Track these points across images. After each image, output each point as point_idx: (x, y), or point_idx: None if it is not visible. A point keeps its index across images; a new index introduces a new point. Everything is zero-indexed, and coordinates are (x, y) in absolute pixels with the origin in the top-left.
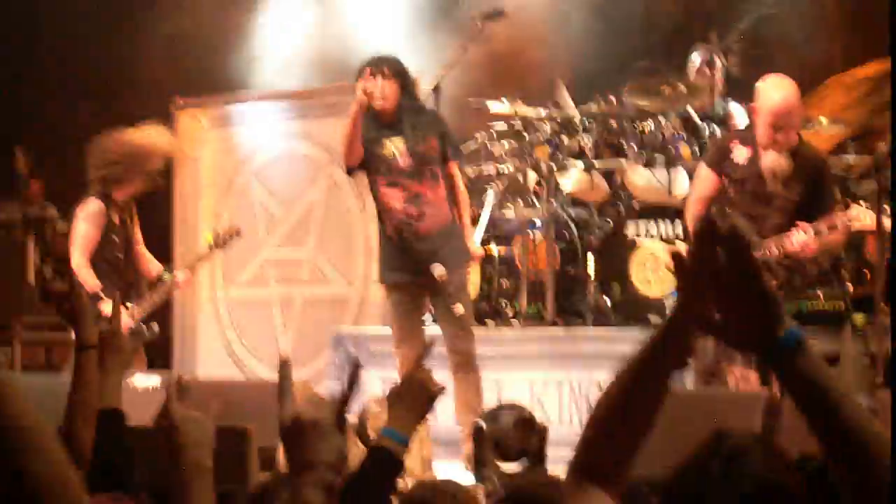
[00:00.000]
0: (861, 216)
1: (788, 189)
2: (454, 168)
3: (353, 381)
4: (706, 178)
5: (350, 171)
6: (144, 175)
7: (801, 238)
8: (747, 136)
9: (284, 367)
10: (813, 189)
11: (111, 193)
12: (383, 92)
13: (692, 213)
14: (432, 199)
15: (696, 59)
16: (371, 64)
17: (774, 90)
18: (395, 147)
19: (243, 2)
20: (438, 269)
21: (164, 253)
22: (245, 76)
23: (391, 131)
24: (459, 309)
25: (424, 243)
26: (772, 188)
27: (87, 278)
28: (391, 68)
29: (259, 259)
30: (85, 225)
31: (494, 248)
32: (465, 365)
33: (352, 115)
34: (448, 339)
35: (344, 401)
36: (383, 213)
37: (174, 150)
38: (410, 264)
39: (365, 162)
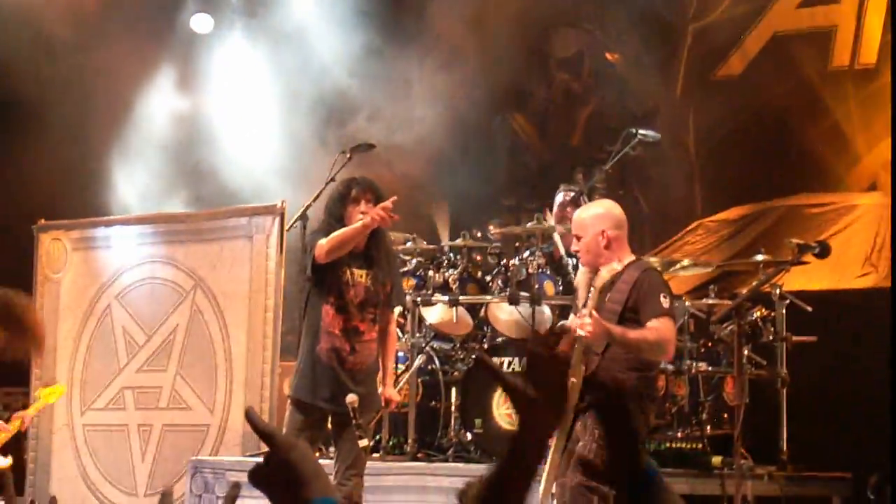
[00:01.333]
0: (602, 274)
1: (611, 300)
2: (392, 315)
3: (232, 500)
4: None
5: (313, 270)
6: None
7: (575, 322)
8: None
9: (165, 497)
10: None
11: None
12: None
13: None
14: (366, 338)
15: (559, 197)
16: (365, 189)
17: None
18: (356, 277)
19: (110, 124)
20: (351, 397)
21: (21, 375)
22: (109, 199)
23: (358, 261)
24: (364, 441)
25: (348, 376)
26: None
27: None
28: (374, 195)
29: (118, 384)
30: None
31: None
32: None
33: (366, 224)
34: (338, 477)
35: None
36: (321, 332)
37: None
38: (327, 391)
39: (324, 277)
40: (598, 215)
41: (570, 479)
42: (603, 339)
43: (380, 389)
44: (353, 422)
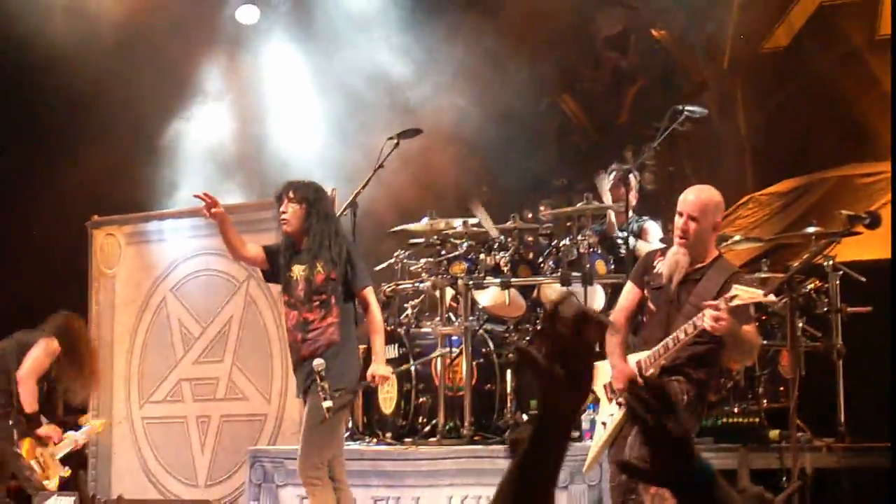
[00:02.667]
0: (740, 294)
1: (698, 294)
2: (364, 293)
3: None
4: (628, 290)
5: (264, 277)
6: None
7: (710, 314)
8: (665, 251)
9: None
10: (718, 296)
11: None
12: (288, 216)
13: (613, 322)
14: (317, 326)
15: (610, 176)
16: (282, 189)
17: (688, 190)
18: (297, 273)
19: (160, 119)
20: (317, 362)
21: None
22: (160, 193)
23: (298, 257)
24: (328, 403)
25: (303, 366)
26: (669, 283)
27: (31, 401)
28: (296, 194)
29: (175, 376)
30: (43, 356)
31: (412, 365)
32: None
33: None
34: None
35: None
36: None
37: None
38: (298, 382)
39: (279, 281)
40: (718, 204)
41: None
42: (727, 332)
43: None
44: (318, 384)
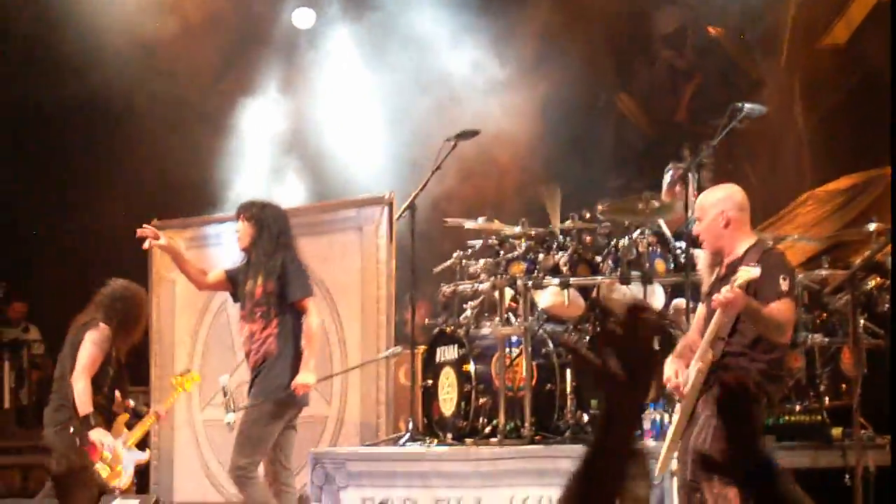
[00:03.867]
0: (741, 274)
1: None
2: (302, 304)
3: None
4: (698, 311)
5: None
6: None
7: (722, 295)
8: None
9: None
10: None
11: (115, 328)
12: (240, 234)
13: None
14: (258, 338)
15: (668, 176)
16: (239, 211)
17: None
18: (246, 289)
19: (220, 124)
20: (222, 378)
21: (140, 373)
22: (220, 197)
23: (247, 272)
24: (229, 416)
25: (253, 374)
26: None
27: (85, 401)
28: (247, 213)
29: (236, 379)
30: (94, 349)
31: (472, 366)
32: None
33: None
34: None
35: None
36: None
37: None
38: None
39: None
40: (718, 198)
41: (690, 452)
42: (739, 310)
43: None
44: (223, 398)
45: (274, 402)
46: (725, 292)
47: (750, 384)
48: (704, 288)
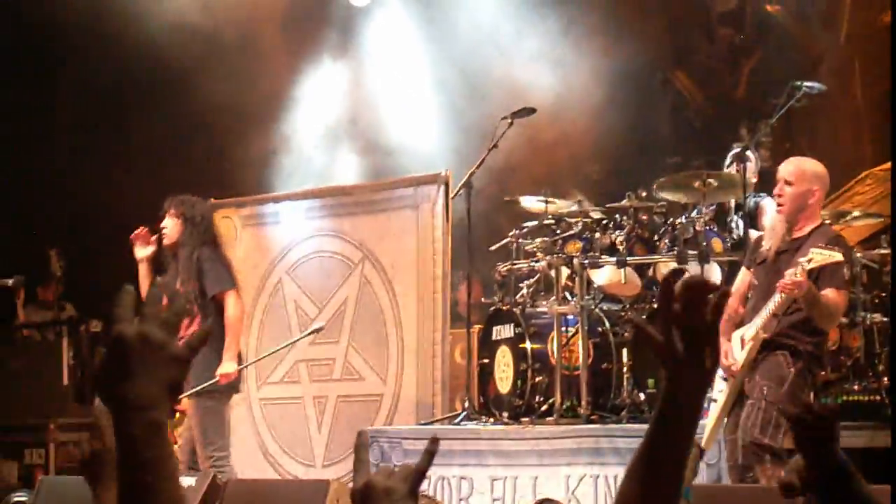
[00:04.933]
0: (814, 257)
1: (794, 265)
2: (220, 297)
3: (430, 455)
4: (741, 275)
5: None
6: None
7: (789, 277)
8: None
9: (361, 436)
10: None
11: None
12: (168, 230)
13: (728, 308)
14: (184, 334)
15: (731, 154)
16: (168, 206)
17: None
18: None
19: (274, 102)
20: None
21: None
22: (276, 176)
23: (175, 270)
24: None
25: None
26: (770, 251)
27: None
28: (177, 210)
29: (292, 357)
30: None
31: (528, 345)
32: None
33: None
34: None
35: (420, 472)
36: None
37: None
38: None
39: None
40: (816, 173)
41: (740, 436)
42: (801, 294)
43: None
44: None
45: (207, 393)
46: (793, 275)
47: (800, 364)
48: (765, 250)
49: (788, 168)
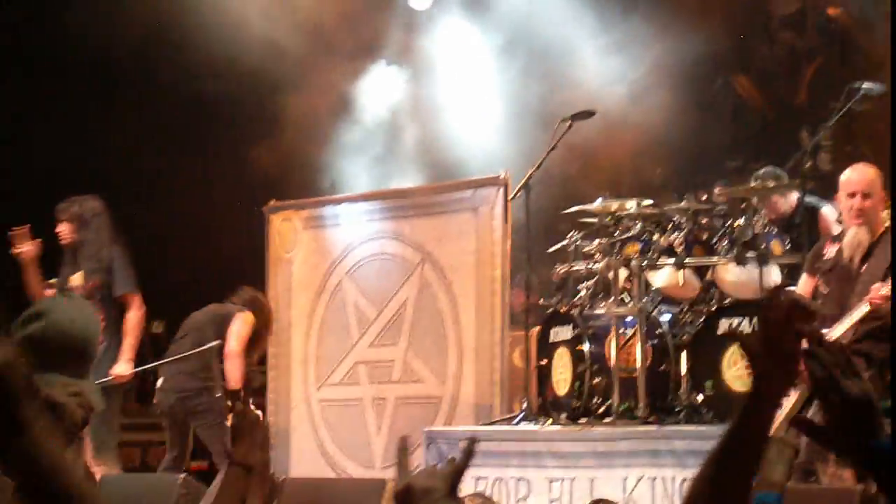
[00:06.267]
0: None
1: (870, 269)
2: (125, 298)
3: (468, 455)
4: (803, 282)
5: None
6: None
7: (878, 291)
8: (840, 236)
9: (403, 441)
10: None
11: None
12: (63, 233)
13: None
14: None
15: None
16: (59, 212)
17: (849, 170)
18: (73, 283)
19: (335, 106)
20: None
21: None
22: (336, 178)
23: (74, 268)
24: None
25: None
26: (850, 262)
27: (237, 375)
28: (63, 214)
29: (351, 359)
30: (246, 328)
31: (586, 346)
32: None
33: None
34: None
35: (459, 471)
36: None
37: None
38: None
39: None
40: (882, 179)
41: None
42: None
43: None
44: None
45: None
46: (884, 288)
47: (874, 370)
48: (829, 263)
49: (861, 182)
